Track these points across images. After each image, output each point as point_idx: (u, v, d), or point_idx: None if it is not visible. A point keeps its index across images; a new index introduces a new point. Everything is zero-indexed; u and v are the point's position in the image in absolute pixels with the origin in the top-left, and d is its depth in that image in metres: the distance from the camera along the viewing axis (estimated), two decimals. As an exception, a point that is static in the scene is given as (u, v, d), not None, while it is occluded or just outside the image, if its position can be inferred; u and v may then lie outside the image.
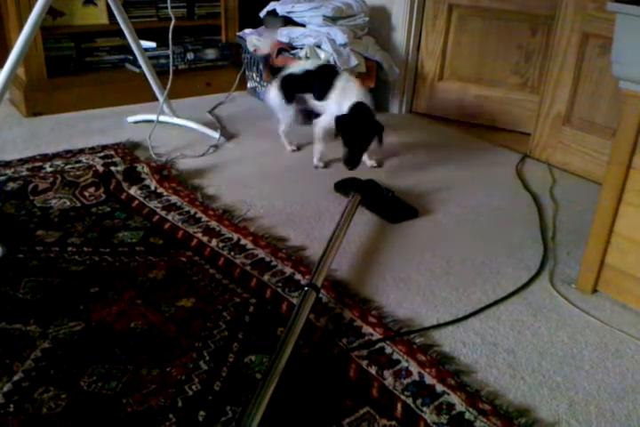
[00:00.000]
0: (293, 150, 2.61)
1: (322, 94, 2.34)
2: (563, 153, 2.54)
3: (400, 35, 3.05)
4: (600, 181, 1.67)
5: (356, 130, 2.20)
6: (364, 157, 2.38)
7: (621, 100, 1.54)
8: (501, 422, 1.22)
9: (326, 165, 2.44)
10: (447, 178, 2.41)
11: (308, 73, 2.40)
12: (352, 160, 2.22)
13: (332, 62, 2.63)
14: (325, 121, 2.35)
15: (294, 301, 1.57)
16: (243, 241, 1.85)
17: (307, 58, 2.89)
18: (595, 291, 1.70)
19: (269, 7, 3.17)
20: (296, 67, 2.45)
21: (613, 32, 1.50)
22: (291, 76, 2.42)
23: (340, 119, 2.22)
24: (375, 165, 2.46)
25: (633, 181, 1.55)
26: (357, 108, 2.23)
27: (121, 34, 2.60)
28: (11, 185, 2.08)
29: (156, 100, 2.72)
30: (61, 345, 1.37)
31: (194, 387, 1.28)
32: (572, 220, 2.11)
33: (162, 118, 2.67)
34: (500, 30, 2.84)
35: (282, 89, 2.43)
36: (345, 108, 2.25)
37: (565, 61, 2.47)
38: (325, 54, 2.74)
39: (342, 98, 2.29)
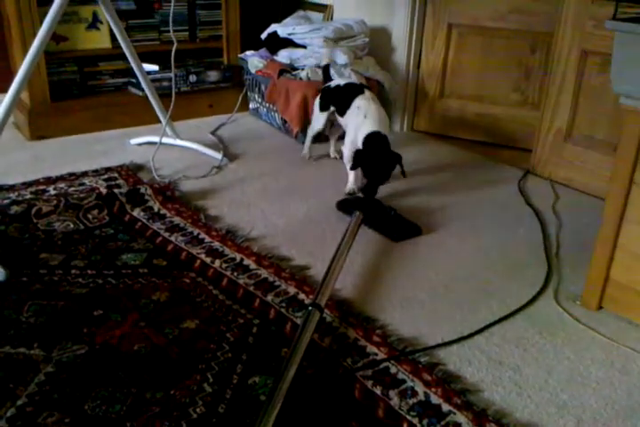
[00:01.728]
0: (305, 156, 2.73)
1: (341, 110, 2.42)
2: (565, 169, 2.55)
3: (400, 54, 3.08)
4: (602, 197, 1.67)
5: (375, 164, 2.18)
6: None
7: (622, 116, 1.55)
8: (509, 442, 1.21)
9: (356, 191, 2.39)
10: (449, 195, 2.41)
11: (337, 88, 2.51)
12: (371, 191, 2.20)
13: (358, 81, 2.66)
14: (347, 148, 2.38)
15: (298, 321, 1.57)
16: (246, 261, 1.85)
17: (308, 78, 2.92)
18: (600, 307, 1.69)
19: (270, 29, 3.21)
20: (336, 81, 2.59)
21: (612, 49, 1.51)
22: (328, 88, 2.57)
23: (357, 154, 2.22)
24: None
25: (635, 197, 1.55)
26: (372, 139, 2.22)
27: (124, 57, 2.63)
28: (14, 208, 2.09)
29: (159, 122, 2.74)
30: (65, 369, 1.37)
31: (198, 410, 1.27)
32: (576, 236, 2.11)
33: (165, 140, 2.69)
34: (499, 48, 2.87)
35: (320, 98, 2.59)
36: (360, 138, 2.25)
37: (565, 78, 2.49)
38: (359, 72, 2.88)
39: (357, 121, 2.30)
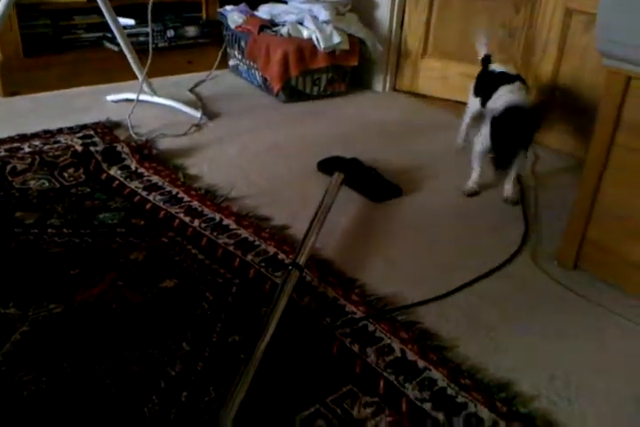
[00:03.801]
0: (458, 147, 2.44)
1: (484, 100, 2.18)
2: (545, 131, 2.54)
3: (383, 11, 3.02)
4: (582, 157, 1.67)
5: (505, 129, 1.94)
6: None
7: (604, 77, 1.53)
8: (482, 397, 1.24)
9: (478, 191, 2.14)
10: (431, 155, 2.40)
11: (491, 74, 2.23)
12: (501, 161, 1.97)
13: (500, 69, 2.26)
14: (479, 141, 2.09)
15: (278, 280, 1.57)
16: (225, 221, 1.84)
17: (289, 34, 2.86)
18: (576, 266, 1.71)
19: (250, -17, 3.12)
20: (494, 66, 2.29)
21: (597, 8, 1.49)
22: (484, 71, 2.30)
23: (492, 119, 1.99)
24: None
25: (615, 158, 1.56)
26: (512, 109, 1.96)
27: (99, 11, 2.54)
28: (-12, 166, 2.04)
29: (136, 78, 2.67)
30: (41, 328, 1.36)
31: (176, 368, 1.27)
32: (555, 196, 2.12)
33: (142, 97, 2.63)
34: (483, 7, 2.81)
35: (476, 80, 2.34)
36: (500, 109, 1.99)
37: (549, 38, 2.46)
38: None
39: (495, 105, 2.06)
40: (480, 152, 2.08)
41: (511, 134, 1.94)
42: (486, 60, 2.37)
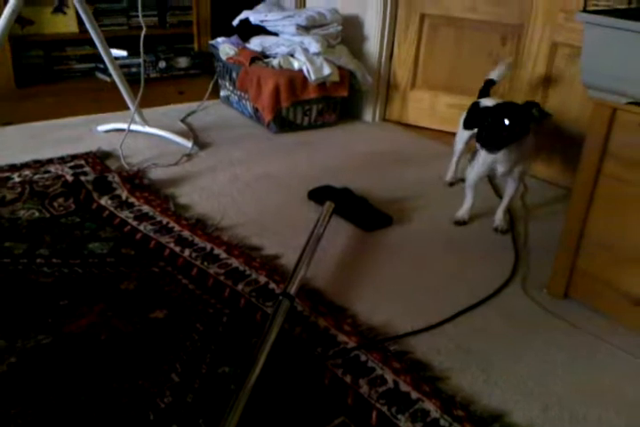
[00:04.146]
0: (447, 183, 2.44)
1: (478, 137, 1.97)
2: (536, 161, 2.57)
3: (373, 44, 3.07)
4: (569, 186, 1.69)
5: (502, 108, 1.86)
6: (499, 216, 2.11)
7: (590, 108, 1.56)
8: (476, 429, 1.23)
9: (466, 221, 2.14)
10: (420, 185, 2.42)
11: (485, 109, 2.00)
12: (487, 139, 1.84)
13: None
14: (473, 171, 2.06)
15: (269, 310, 1.56)
16: (216, 251, 1.84)
17: (280, 66, 2.90)
18: (566, 295, 1.71)
19: (242, 16, 3.18)
20: (487, 100, 2.17)
21: (582, 42, 1.52)
22: (476, 105, 2.14)
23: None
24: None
25: (601, 187, 1.58)
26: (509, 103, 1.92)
27: (91, 42, 2.58)
28: (-22, 196, 2.04)
29: (128, 108, 2.69)
30: (29, 359, 1.34)
31: (166, 400, 1.25)
32: (544, 226, 2.13)
33: (133, 127, 2.65)
34: (470, 39, 2.88)
35: (467, 112, 2.20)
36: None
37: (535, 70, 2.51)
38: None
39: None
40: (474, 181, 2.10)
41: (506, 113, 1.84)
42: (488, 84, 2.34)
